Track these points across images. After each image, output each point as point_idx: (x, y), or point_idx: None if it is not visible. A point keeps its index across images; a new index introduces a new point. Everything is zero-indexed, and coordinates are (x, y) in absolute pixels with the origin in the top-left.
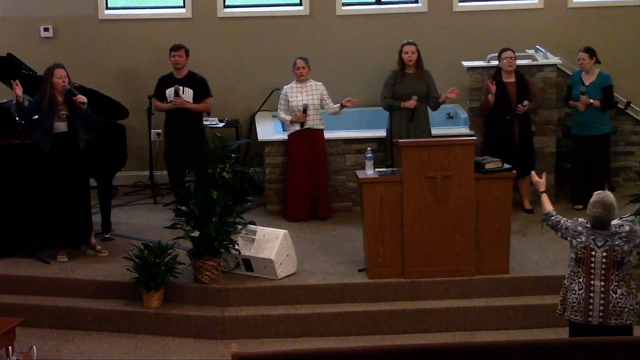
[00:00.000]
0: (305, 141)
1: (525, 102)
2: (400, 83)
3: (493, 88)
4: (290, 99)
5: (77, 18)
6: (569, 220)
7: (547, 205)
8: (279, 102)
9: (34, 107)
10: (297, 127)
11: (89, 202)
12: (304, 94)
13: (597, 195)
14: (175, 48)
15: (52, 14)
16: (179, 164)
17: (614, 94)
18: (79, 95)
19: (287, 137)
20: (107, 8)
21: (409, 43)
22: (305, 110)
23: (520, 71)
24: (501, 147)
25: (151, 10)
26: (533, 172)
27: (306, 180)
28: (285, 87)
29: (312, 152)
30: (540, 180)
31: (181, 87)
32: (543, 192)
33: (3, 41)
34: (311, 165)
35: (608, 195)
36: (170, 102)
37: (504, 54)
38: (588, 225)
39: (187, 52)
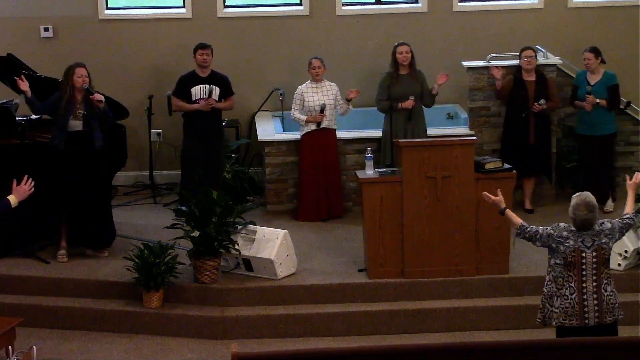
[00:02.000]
0: (318, 141)
1: (542, 101)
2: (395, 84)
3: (497, 73)
4: (306, 98)
5: (77, 18)
6: (548, 228)
7: (516, 219)
8: (294, 102)
9: (50, 105)
10: (313, 127)
11: (109, 201)
12: (319, 94)
13: (578, 197)
14: (204, 46)
15: (52, 14)
16: (197, 164)
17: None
18: (96, 94)
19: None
20: (107, 8)
21: (402, 44)
22: (323, 110)
23: (541, 71)
24: (517, 145)
25: (151, 10)
26: (485, 193)
27: (320, 180)
28: (299, 87)
29: (325, 151)
30: (497, 199)
31: (215, 87)
32: (505, 208)
33: (3, 41)
34: (324, 165)
35: (589, 195)
36: (196, 100)
37: (524, 53)
38: (573, 229)
39: (212, 51)
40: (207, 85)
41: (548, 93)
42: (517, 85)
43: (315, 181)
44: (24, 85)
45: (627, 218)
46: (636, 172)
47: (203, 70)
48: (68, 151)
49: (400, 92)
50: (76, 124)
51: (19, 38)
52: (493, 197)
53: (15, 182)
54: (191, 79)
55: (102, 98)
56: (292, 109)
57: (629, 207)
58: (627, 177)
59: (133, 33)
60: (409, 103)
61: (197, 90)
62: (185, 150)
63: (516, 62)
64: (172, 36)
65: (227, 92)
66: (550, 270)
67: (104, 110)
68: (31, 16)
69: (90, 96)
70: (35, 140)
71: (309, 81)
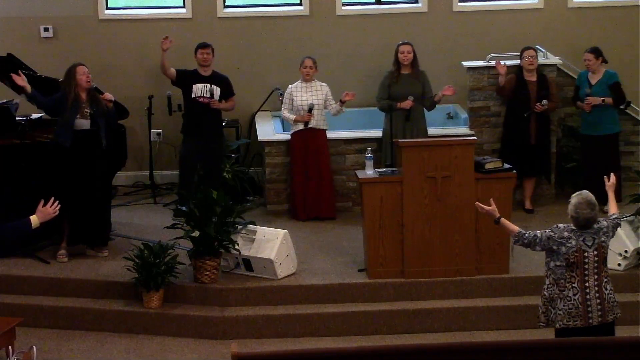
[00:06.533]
0: (307, 140)
1: (544, 102)
2: (396, 84)
3: (502, 69)
4: (295, 98)
5: (77, 18)
6: (547, 230)
7: (511, 227)
8: (283, 101)
9: (54, 102)
10: (301, 127)
11: (109, 201)
12: (308, 94)
13: (579, 196)
14: (204, 45)
15: (52, 14)
16: (195, 164)
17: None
18: (106, 93)
19: (289, 137)
20: (107, 8)
21: (404, 43)
22: (310, 110)
23: (541, 71)
24: (517, 145)
25: (151, 10)
26: (478, 204)
27: (310, 180)
28: (290, 86)
29: (314, 151)
30: (490, 208)
31: (216, 88)
32: (500, 217)
33: (3, 41)
34: (314, 165)
35: (589, 194)
36: (196, 98)
37: (525, 53)
38: (573, 228)
39: (213, 51)
40: (208, 85)
41: (549, 93)
42: (518, 85)
43: (304, 180)
44: (21, 80)
45: (615, 218)
46: (612, 174)
47: (204, 69)
48: (70, 151)
49: (401, 91)
50: (83, 123)
51: (19, 38)
52: (486, 207)
53: (42, 202)
54: (194, 76)
55: (112, 97)
56: (282, 108)
57: (613, 208)
58: (605, 179)
59: (133, 33)
60: (407, 103)
61: (198, 88)
62: (185, 150)
63: (516, 62)
64: (172, 36)
65: (228, 92)
66: (550, 273)
67: (112, 109)
68: (31, 16)
69: (101, 95)
70: (35, 140)
71: (299, 81)
